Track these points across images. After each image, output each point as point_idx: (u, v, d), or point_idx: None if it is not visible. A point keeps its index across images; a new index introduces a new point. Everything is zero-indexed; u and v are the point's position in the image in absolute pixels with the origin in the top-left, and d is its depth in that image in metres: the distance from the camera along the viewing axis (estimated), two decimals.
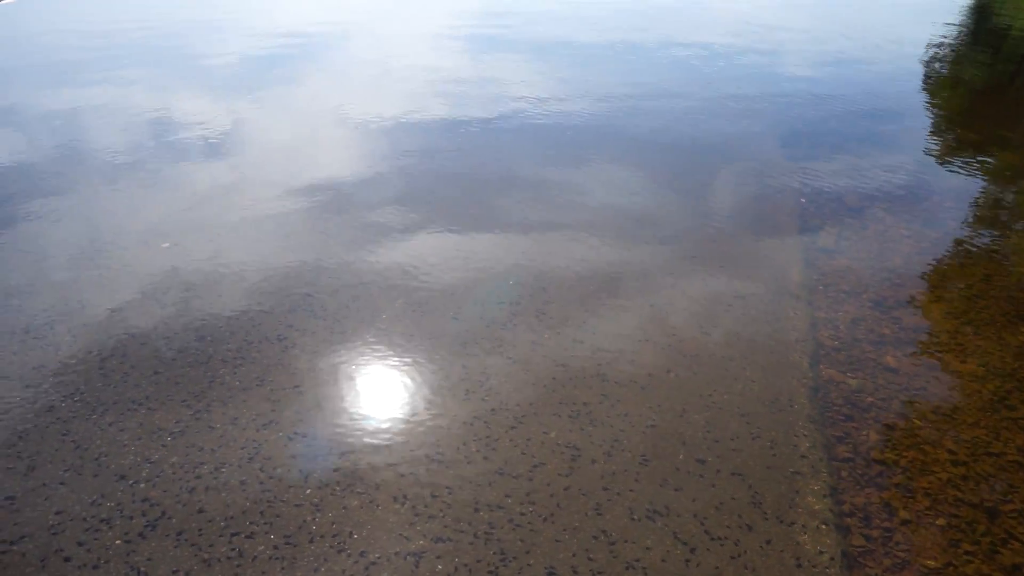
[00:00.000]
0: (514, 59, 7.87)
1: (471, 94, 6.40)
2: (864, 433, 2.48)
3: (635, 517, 2.14)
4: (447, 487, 2.24)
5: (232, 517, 2.13)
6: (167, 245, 3.67)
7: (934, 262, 3.61)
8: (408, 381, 2.71)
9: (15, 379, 2.71)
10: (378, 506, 2.17)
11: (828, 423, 2.53)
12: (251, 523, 2.11)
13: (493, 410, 2.57)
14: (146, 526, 2.10)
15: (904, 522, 2.15)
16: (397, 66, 7.50)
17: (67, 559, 1.99)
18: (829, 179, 4.61)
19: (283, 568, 1.98)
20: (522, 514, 2.15)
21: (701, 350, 2.90)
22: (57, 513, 2.14)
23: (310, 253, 3.62)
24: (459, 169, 4.71)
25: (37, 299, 3.22)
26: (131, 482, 2.26)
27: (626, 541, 2.07)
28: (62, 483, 2.25)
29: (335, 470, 2.30)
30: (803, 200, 4.28)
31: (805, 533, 2.10)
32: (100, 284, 3.34)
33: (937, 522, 2.15)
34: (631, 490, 2.24)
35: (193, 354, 2.85)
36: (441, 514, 2.15)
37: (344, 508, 2.16)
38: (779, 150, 5.19)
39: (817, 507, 2.19)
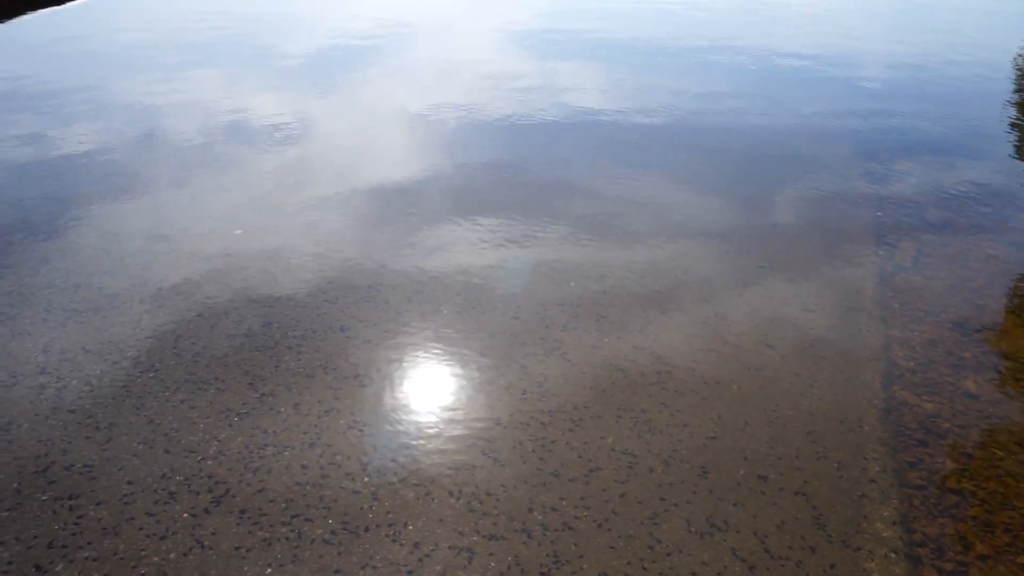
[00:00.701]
0: (585, 62, 7.84)
1: (537, 96, 6.41)
2: (939, 460, 2.36)
3: (692, 530, 2.10)
4: (502, 485, 2.24)
5: (292, 500, 2.18)
6: (239, 232, 3.80)
7: (1021, 284, 3.41)
8: (466, 377, 2.72)
9: (96, 353, 2.85)
10: (433, 499, 2.19)
11: (900, 447, 2.42)
12: (309, 506, 2.16)
13: (550, 412, 2.55)
14: (211, 502, 2.18)
15: (981, 557, 2.03)
16: (464, 66, 7.57)
17: (139, 528, 2.08)
18: (909, 193, 4.41)
19: (339, 553, 2.01)
20: (576, 518, 2.13)
21: (766, 363, 2.82)
22: (129, 483, 2.24)
23: (374, 247, 3.68)
24: (521, 170, 4.72)
25: (117, 279, 3.38)
26: (199, 458, 2.34)
27: (682, 553, 2.02)
28: (135, 455, 2.35)
29: (392, 461, 2.33)
30: (879, 214, 4.11)
31: (872, 560, 2.01)
32: (175, 267, 3.48)
33: (1018, 560, 2.02)
34: (688, 502, 2.19)
35: (260, 339, 2.94)
36: (495, 511, 2.15)
37: (400, 499, 2.19)
38: (855, 160, 5.01)
39: (886, 534, 2.09)
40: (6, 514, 2.13)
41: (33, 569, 1.96)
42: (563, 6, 11.77)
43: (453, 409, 2.56)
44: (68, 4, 11.57)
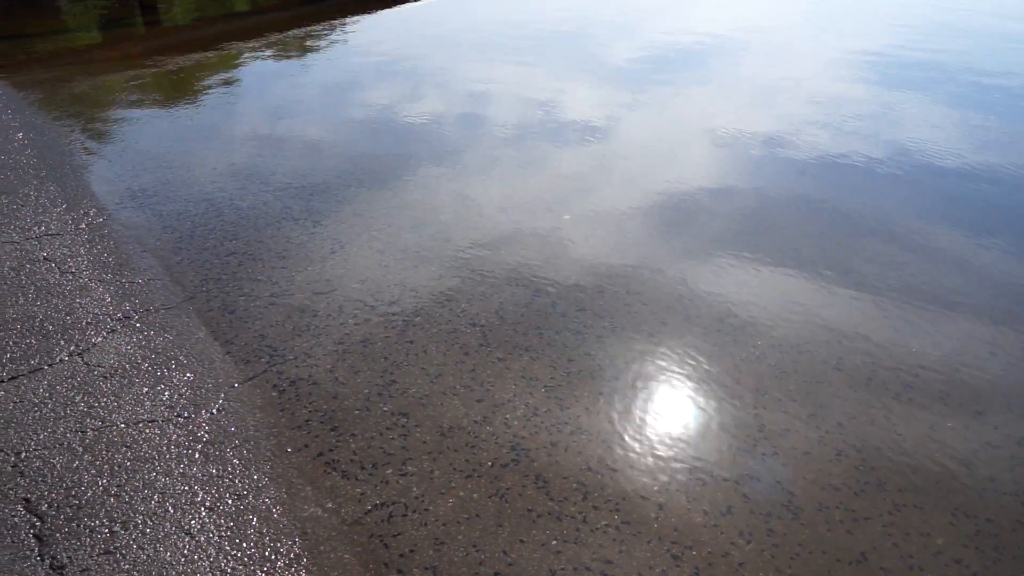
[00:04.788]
0: (928, 97, 6.78)
1: (865, 129, 5.70)
2: None
3: None
4: (800, 544, 2.05)
5: (583, 483, 2.25)
6: (568, 217, 4.03)
7: None
8: (777, 418, 2.54)
9: (437, 296, 3.25)
10: (722, 532, 2.09)
11: None
12: (598, 495, 2.21)
13: (867, 483, 2.26)
14: (512, 459, 2.34)
15: None
16: (786, 85, 7.05)
17: (449, 463, 2.32)
18: None
19: (620, 551, 2.03)
20: None
21: None
22: (450, 417, 2.51)
23: (686, 259, 3.62)
24: (825, 208, 4.24)
25: (468, 234, 3.81)
26: (506, 415, 2.53)
27: None
28: (456, 395, 2.64)
29: (684, 478, 2.27)
30: None
31: None
32: (512, 238, 3.81)
33: None
34: None
35: (573, 322, 3.08)
36: (789, 570, 1.97)
37: (688, 520, 2.12)
38: None
39: None
40: (356, 413, 2.54)
41: (370, 466, 2.31)
42: (919, 32, 10.31)
43: (756, 446, 2.41)
44: None
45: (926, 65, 8.08)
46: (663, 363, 2.82)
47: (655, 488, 2.24)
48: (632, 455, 2.37)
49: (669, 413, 2.56)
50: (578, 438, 2.43)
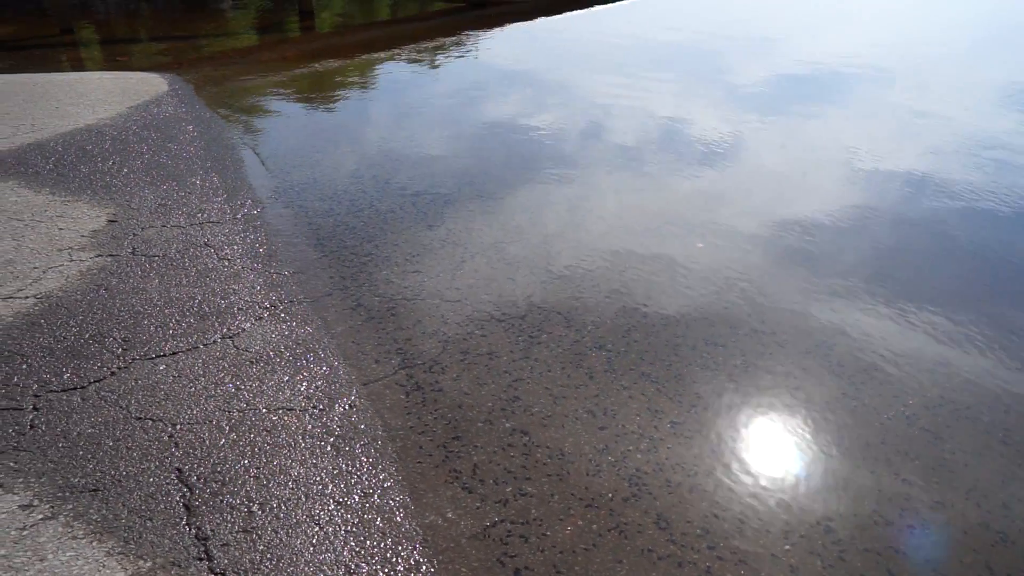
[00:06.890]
0: None
1: (1016, 171, 5.11)
2: None
3: None
4: None
5: (707, 530, 2.15)
6: (701, 245, 3.90)
7: None
8: (926, 489, 2.32)
9: (562, 314, 3.23)
10: None
11: None
12: (723, 544, 2.10)
13: (1000, 545, 2.01)
14: (632, 494, 2.28)
15: None
16: (934, 118, 6.46)
17: (568, 487, 2.29)
18: None
19: None
20: None
21: None
22: (571, 442, 2.48)
23: (828, 296, 3.39)
24: (992, 257, 3.82)
25: (597, 255, 3.78)
26: (628, 446, 2.47)
27: None
28: (578, 419, 2.60)
29: (818, 536, 2.11)
30: None
31: None
32: (643, 263, 3.74)
33: None
34: None
35: (702, 355, 2.97)
36: None
37: None
38: None
39: None
40: (479, 426, 2.56)
41: (491, 481, 2.31)
42: None
43: (903, 517, 2.21)
44: (599, 7, 13.39)
45: None
46: (800, 413, 2.65)
47: (786, 547, 2.10)
48: (761, 508, 2.23)
49: (804, 468, 2.40)
50: (703, 481, 2.33)
